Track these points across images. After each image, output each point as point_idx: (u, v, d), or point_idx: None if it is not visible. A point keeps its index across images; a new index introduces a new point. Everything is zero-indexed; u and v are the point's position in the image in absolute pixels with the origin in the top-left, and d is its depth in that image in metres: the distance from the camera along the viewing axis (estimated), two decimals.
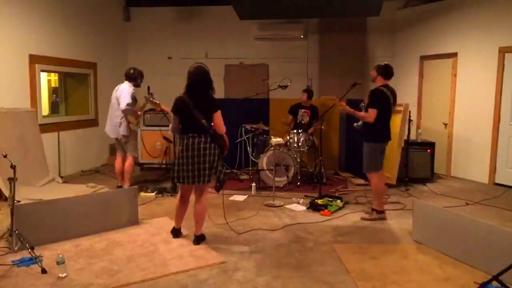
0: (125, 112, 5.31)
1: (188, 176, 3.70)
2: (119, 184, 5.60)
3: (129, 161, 5.56)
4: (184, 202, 3.95)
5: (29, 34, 6.03)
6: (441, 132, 7.08)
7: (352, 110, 4.63)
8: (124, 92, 5.34)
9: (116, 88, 5.51)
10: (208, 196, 3.89)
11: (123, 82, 5.52)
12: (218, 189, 3.84)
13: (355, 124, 4.74)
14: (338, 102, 4.69)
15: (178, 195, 3.98)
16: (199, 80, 3.73)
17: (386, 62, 4.67)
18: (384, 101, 4.45)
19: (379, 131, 4.50)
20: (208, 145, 3.70)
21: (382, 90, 4.47)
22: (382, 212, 4.67)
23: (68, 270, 3.22)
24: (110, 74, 7.90)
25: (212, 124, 3.76)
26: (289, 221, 4.60)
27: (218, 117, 3.75)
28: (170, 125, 3.92)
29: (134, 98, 5.42)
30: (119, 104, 5.34)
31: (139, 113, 5.55)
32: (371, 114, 4.40)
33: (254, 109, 7.01)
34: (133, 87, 5.46)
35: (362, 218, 4.69)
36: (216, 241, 3.98)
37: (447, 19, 6.93)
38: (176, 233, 4.01)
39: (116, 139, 5.55)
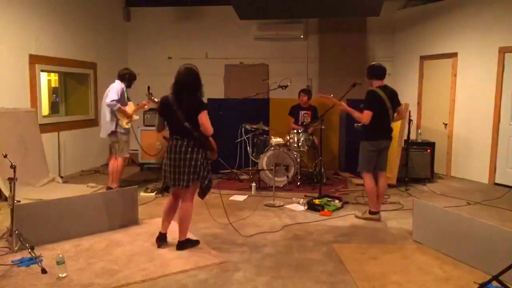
0: (109, 106, 5.34)
1: (170, 178, 3.62)
2: (108, 185, 5.61)
3: (118, 162, 5.57)
4: (174, 199, 3.82)
5: (29, 34, 6.03)
6: (441, 132, 7.08)
7: (350, 109, 4.65)
8: (112, 89, 5.41)
9: (109, 88, 5.57)
10: (207, 197, 3.84)
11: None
12: (201, 195, 3.71)
13: (355, 125, 4.74)
14: (337, 101, 4.71)
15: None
16: (186, 80, 3.56)
17: (373, 63, 4.72)
18: (377, 102, 4.46)
19: (372, 130, 4.51)
20: (190, 149, 3.55)
21: (374, 91, 4.50)
22: (375, 213, 4.65)
23: (68, 270, 3.22)
24: (110, 74, 7.86)
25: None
26: (289, 221, 4.60)
27: (203, 117, 3.53)
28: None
29: (122, 96, 5.44)
30: None
31: (129, 112, 5.50)
32: (365, 116, 4.42)
33: (254, 109, 7.01)
34: (123, 86, 5.50)
35: (356, 216, 4.75)
36: (216, 241, 3.99)
37: (447, 19, 6.93)
38: (162, 239, 3.79)
39: (108, 137, 5.55)
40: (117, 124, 5.43)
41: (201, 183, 3.66)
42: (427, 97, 7.41)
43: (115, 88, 5.41)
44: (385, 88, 4.53)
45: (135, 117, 5.63)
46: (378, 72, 4.57)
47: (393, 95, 4.56)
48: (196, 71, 3.63)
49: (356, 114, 4.56)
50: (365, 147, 4.58)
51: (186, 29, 8.58)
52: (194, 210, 3.80)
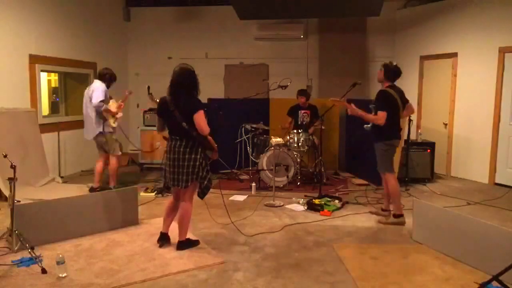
0: (97, 108, 5.30)
1: (170, 178, 3.65)
2: (93, 186, 5.57)
3: (112, 160, 5.57)
4: (175, 199, 3.81)
5: (29, 34, 6.03)
6: (441, 132, 7.08)
7: (362, 112, 4.49)
8: (97, 89, 5.36)
9: (88, 88, 5.54)
10: (207, 197, 3.83)
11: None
12: (200, 195, 3.70)
13: (365, 126, 4.57)
14: (347, 104, 4.59)
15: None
16: (182, 80, 3.55)
17: (392, 62, 4.52)
18: (391, 102, 4.37)
19: (387, 130, 4.38)
20: (188, 150, 3.56)
21: (388, 91, 4.39)
22: (401, 215, 4.48)
23: (68, 270, 3.22)
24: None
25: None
26: (289, 221, 4.60)
27: (198, 118, 3.49)
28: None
29: (106, 96, 5.41)
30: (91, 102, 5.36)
31: (114, 111, 5.45)
32: (381, 117, 4.30)
33: (254, 109, 7.01)
34: (105, 86, 5.46)
35: (380, 222, 4.55)
36: (216, 241, 3.99)
37: (447, 19, 6.93)
38: (163, 238, 3.81)
39: (94, 139, 5.52)
40: (104, 125, 5.40)
41: (200, 183, 3.65)
42: (427, 97, 7.41)
43: (99, 89, 5.36)
44: (394, 87, 4.45)
45: (119, 114, 5.58)
46: (398, 73, 4.45)
47: (401, 94, 4.49)
48: (190, 69, 3.60)
49: (370, 116, 4.42)
50: (382, 147, 4.44)
51: (186, 29, 8.59)
52: (194, 210, 3.80)
